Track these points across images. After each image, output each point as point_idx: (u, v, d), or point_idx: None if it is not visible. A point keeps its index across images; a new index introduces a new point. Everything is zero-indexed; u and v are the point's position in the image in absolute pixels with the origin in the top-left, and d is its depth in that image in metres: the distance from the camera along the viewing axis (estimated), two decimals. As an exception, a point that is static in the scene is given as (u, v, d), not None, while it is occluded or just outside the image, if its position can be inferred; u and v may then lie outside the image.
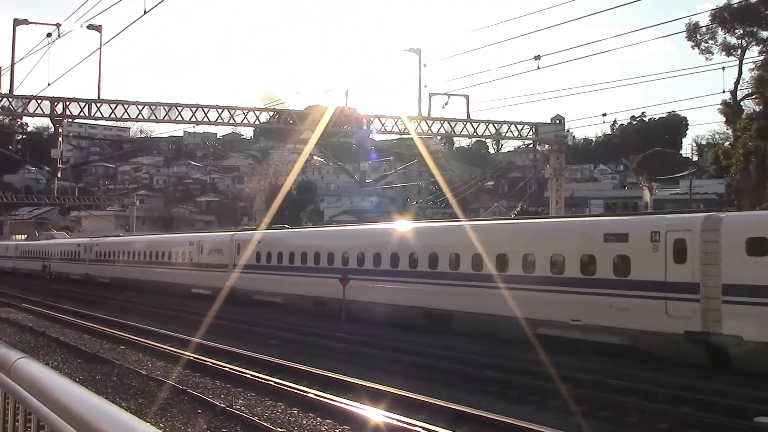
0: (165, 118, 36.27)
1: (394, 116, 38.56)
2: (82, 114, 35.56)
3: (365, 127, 38.96)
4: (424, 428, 10.21)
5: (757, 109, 46.30)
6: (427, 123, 38.37)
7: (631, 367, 15.58)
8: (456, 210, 47.99)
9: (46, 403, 3.09)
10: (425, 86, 37.56)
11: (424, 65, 36.95)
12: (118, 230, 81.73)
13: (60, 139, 36.34)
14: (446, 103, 37.65)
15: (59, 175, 38.90)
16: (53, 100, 34.55)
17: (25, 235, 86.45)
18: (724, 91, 42.20)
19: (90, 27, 30.38)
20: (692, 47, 47.94)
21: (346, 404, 11.79)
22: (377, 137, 50.56)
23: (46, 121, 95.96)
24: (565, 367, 14.86)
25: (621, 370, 15.20)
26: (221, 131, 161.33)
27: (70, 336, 21.88)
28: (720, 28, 46.88)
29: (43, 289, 42.71)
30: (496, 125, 40.06)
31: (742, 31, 46.43)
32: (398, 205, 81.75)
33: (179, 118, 36.47)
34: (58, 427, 2.92)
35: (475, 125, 39.50)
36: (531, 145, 56.71)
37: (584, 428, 11.09)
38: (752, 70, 46.03)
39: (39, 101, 34.55)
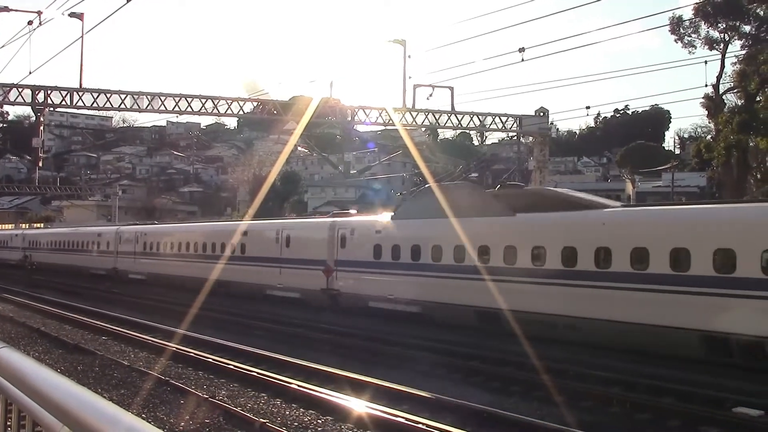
0: (148, 108, 36.07)
1: (378, 107, 38.53)
2: (63, 103, 35.28)
3: (349, 118, 38.91)
4: (407, 419, 10.24)
5: (739, 103, 46.67)
6: (411, 114, 38.38)
7: (612, 359, 15.69)
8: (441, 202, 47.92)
9: (28, 393, 3.07)
10: (410, 77, 37.60)
11: (409, 56, 36.92)
12: (100, 220, 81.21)
13: (41, 128, 36.07)
14: (431, 95, 37.70)
15: (40, 164, 38.66)
16: (34, 89, 34.23)
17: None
18: (706, 85, 42.66)
19: (72, 15, 29.99)
20: (675, 41, 48.29)
21: (329, 395, 11.80)
22: (361, 128, 50.63)
23: (27, 110, 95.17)
24: (548, 358, 14.93)
25: (603, 361, 15.30)
26: (204, 121, 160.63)
27: (51, 326, 21.73)
28: (703, 22, 47.19)
29: (24, 279, 42.35)
30: (480, 117, 40.14)
31: (724, 25, 46.77)
32: (382, 196, 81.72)
33: (162, 108, 36.30)
34: (39, 417, 2.90)
35: (460, 117, 39.56)
36: (515, 137, 56.81)
37: (566, 418, 11.17)
38: (734, 64, 46.42)
39: (20, 90, 34.24)
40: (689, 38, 47.76)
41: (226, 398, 12.08)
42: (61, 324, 22.52)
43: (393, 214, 25.04)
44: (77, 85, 34.63)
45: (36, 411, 2.94)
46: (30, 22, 28.82)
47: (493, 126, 41.46)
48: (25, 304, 28.30)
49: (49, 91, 34.34)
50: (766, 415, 11.24)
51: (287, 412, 11.28)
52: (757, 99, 43.71)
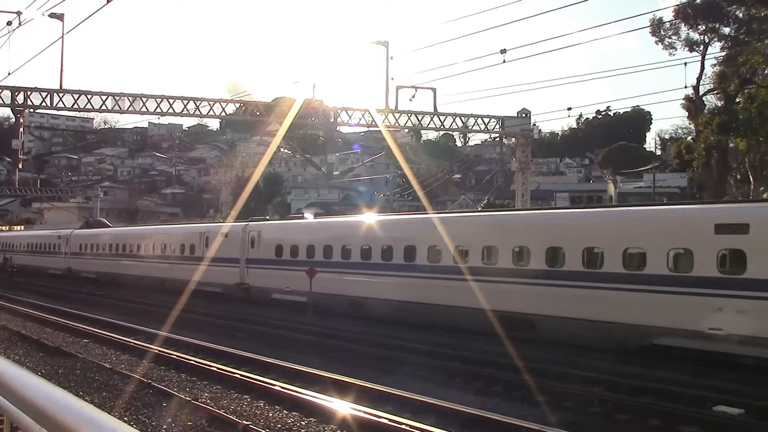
0: (129, 109, 35.84)
1: (361, 109, 38.52)
2: (44, 104, 35.00)
3: (332, 120, 38.88)
4: (390, 420, 10.26)
5: (719, 105, 47.11)
6: (394, 116, 38.40)
7: (593, 359, 15.79)
8: (424, 202, 48.11)
9: (6, 396, 3.05)
10: (392, 79, 37.59)
11: (392, 58, 36.96)
12: (80, 222, 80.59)
13: (21, 129, 35.71)
14: (413, 96, 37.72)
15: (20, 166, 38.27)
16: (14, 90, 33.93)
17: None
18: (686, 87, 42.93)
19: (52, 15, 29.79)
20: (656, 43, 48.59)
21: (312, 397, 11.79)
22: (344, 130, 50.68)
23: (6, 111, 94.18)
24: (530, 358, 15.00)
25: (584, 361, 15.40)
26: (187, 122, 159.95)
27: (31, 329, 21.56)
28: (683, 24, 47.53)
29: (4, 281, 42.00)
30: (463, 118, 40.21)
31: (704, 27, 47.10)
32: (366, 198, 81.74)
33: (144, 109, 36.07)
34: (18, 420, 2.88)
35: (442, 118, 39.62)
36: (497, 139, 57.08)
37: (548, 418, 11.22)
38: (714, 65, 46.83)
39: (-1, 91, 33.91)
40: (670, 40, 48.10)
41: (209, 401, 12.03)
42: (42, 327, 22.34)
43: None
44: (58, 86, 34.39)
45: (13, 413, 2.92)
46: (9, 23, 28.62)
47: (476, 127, 41.56)
48: (5, 306, 28.03)
49: (29, 92, 34.06)
50: (747, 414, 11.36)
51: (271, 414, 11.25)
52: (737, 100, 44.13)
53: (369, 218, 26.50)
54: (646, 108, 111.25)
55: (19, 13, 28.97)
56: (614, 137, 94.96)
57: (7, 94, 33.94)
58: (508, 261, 19.25)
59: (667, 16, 48.38)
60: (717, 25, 46.93)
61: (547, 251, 18.35)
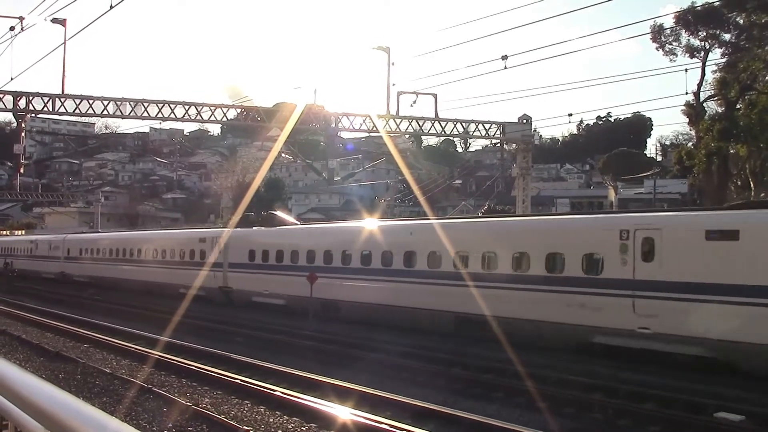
0: (131, 114, 35.83)
1: (362, 114, 38.56)
2: (45, 109, 34.99)
3: (333, 125, 38.92)
4: (390, 425, 10.26)
5: (720, 111, 47.11)
6: (395, 121, 38.41)
7: (594, 365, 15.78)
8: (425, 208, 48.10)
9: (8, 397, 3.06)
10: (393, 84, 37.64)
11: (393, 64, 37.04)
12: (82, 227, 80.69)
13: (23, 134, 35.74)
14: (414, 102, 37.73)
15: (22, 170, 38.27)
16: (16, 95, 33.95)
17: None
18: (687, 93, 42.91)
19: (54, 21, 29.95)
20: (657, 49, 48.59)
21: (312, 402, 11.79)
22: (345, 135, 50.72)
23: (8, 116, 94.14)
24: (529, 364, 14.99)
25: (584, 367, 15.39)
26: (188, 128, 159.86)
27: (32, 334, 21.56)
28: (684, 31, 47.55)
29: (4, 286, 42.00)
30: (463, 124, 40.24)
31: (705, 34, 47.11)
32: (366, 203, 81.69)
33: (145, 114, 36.06)
34: (22, 424, 2.89)
35: (443, 124, 39.63)
36: (498, 145, 57.13)
37: (549, 425, 11.22)
38: (715, 72, 46.84)
39: (1, 96, 33.93)
40: (670, 46, 48.08)
41: (209, 406, 12.03)
42: (43, 331, 22.34)
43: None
44: (59, 91, 34.43)
45: (17, 416, 2.93)
46: (12, 28, 28.76)
47: (477, 133, 41.58)
48: (5, 311, 28.04)
49: (30, 97, 34.08)
50: (747, 420, 11.35)
51: (271, 420, 11.25)
52: (737, 107, 44.14)
53: None
54: (647, 114, 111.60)
55: (21, 19, 29.13)
56: (615, 143, 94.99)
57: (9, 99, 33.95)
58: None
59: (668, 22, 48.22)
60: (717, 32, 46.94)
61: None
